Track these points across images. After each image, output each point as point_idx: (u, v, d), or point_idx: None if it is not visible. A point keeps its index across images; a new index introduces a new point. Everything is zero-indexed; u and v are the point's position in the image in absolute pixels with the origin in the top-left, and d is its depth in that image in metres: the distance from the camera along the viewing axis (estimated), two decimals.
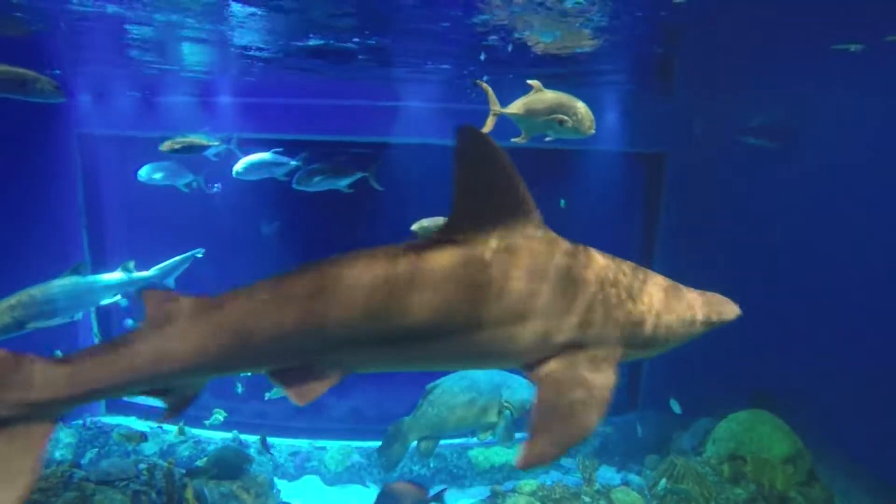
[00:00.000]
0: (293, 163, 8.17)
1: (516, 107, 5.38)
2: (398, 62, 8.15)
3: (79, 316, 6.76)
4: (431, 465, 8.96)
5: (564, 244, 2.34)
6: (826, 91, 8.84)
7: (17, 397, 2.02)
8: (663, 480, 7.66)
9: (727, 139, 9.83)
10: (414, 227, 6.76)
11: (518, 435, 7.84)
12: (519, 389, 7.38)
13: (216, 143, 7.90)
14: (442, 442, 7.71)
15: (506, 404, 7.28)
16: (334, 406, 10.06)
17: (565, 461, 9.37)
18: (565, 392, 2.14)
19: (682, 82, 9.27)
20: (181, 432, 8.96)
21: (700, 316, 2.51)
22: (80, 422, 9.20)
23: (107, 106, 9.74)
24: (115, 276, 7.27)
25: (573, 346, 2.25)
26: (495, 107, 5.38)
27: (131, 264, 7.35)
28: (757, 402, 8.60)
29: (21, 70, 5.30)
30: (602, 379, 2.18)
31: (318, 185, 8.06)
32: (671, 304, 2.44)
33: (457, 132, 2.12)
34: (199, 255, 8.12)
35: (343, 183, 8.16)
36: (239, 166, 8.05)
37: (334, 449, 9.25)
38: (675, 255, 9.59)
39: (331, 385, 2.20)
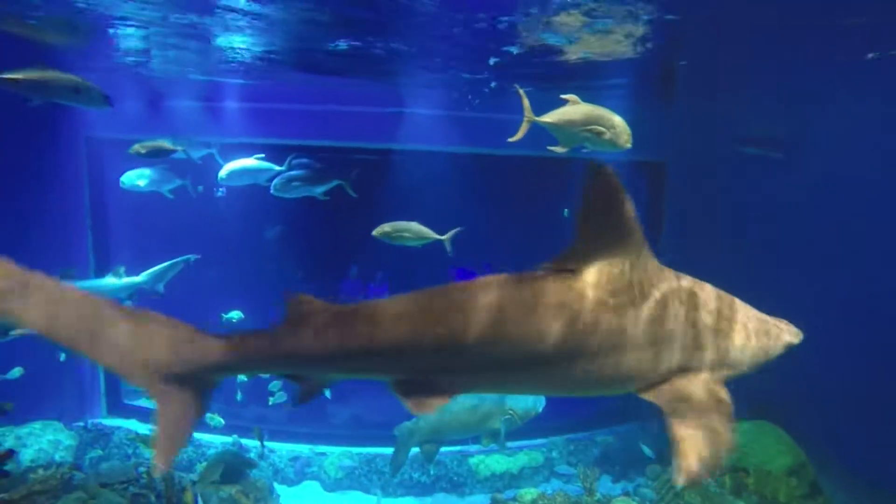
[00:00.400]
0: (277, 168, 8.16)
1: (551, 117, 5.36)
2: (402, 70, 8.17)
3: None
4: (432, 472, 8.92)
5: (672, 275, 2.49)
6: (826, 98, 8.83)
7: (185, 359, 2.30)
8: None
9: (727, 148, 9.81)
10: (374, 232, 6.83)
11: (509, 444, 7.78)
12: (523, 397, 7.34)
13: (181, 148, 7.87)
14: (442, 449, 7.68)
15: (510, 412, 7.26)
16: (335, 412, 10.03)
17: (566, 469, 9.33)
18: (692, 417, 2.30)
19: (684, 91, 9.27)
20: None
21: (781, 341, 2.70)
22: (82, 423, 9.19)
23: (113, 110, 9.76)
24: (106, 280, 7.28)
25: (682, 371, 2.40)
26: (529, 115, 5.38)
27: (122, 269, 7.41)
28: (760, 414, 8.55)
29: (75, 78, 5.40)
30: (719, 400, 2.37)
31: (296, 191, 8.06)
32: (762, 330, 2.63)
33: (588, 169, 2.24)
34: (192, 262, 8.07)
35: (319, 190, 8.16)
36: (223, 172, 8.06)
37: (335, 455, 9.23)
38: (676, 262, 9.55)
39: (446, 401, 2.35)
